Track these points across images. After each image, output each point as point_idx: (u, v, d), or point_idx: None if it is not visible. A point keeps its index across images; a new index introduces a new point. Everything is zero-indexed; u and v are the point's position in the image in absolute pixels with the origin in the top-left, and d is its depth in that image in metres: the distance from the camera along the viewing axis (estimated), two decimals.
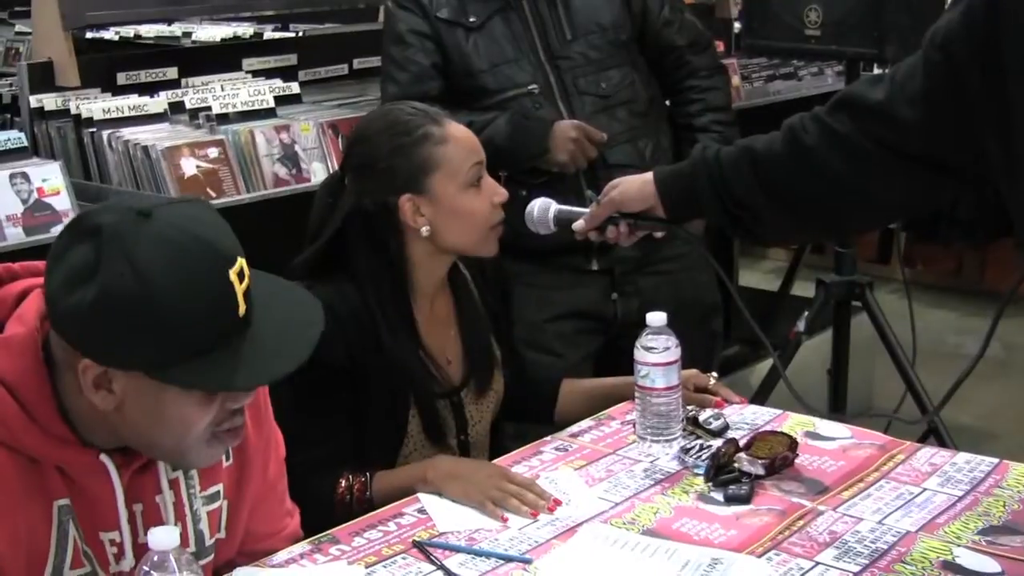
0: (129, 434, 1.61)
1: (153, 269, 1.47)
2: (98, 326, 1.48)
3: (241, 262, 1.55)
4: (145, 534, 1.66)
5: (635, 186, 2.17)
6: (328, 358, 2.06)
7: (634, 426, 2.30)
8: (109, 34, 5.28)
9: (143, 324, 1.48)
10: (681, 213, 2.16)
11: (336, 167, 3.27)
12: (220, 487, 1.80)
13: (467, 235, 2.26)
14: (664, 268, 3.12)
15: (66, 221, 2.84)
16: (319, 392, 2.17)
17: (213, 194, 3.06)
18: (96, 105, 3.29)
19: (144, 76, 3.72)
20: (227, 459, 1.80)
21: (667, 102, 3.22)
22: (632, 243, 2.24)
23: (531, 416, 2.53)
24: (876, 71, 3.46)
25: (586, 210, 2.23)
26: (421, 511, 2.04)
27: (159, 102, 3.40)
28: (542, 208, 2.28)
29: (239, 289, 1.54)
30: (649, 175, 2.17)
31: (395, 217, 2.22)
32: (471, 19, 3.00)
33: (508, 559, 1.88)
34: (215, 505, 1.80)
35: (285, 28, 5.02)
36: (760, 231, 2.10)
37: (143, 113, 3.33)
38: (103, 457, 1.63)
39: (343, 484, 2.16)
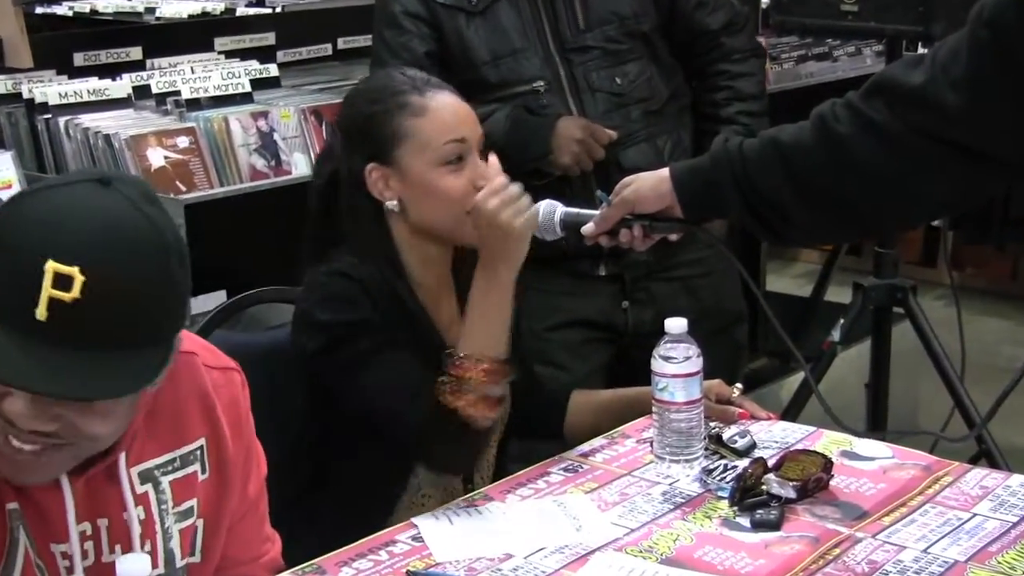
0: None
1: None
2: None
3: (72, 271, 1.49)
4: (111, 551, 1.70)
5: (649, 184, 2.19)
6: (362, 317, 2.22)
7: (651, 444, 2.31)
8: (62, 9, 5.30)
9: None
10: (701, 213, 2.19)
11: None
12: (195, 502, 1.82)
13: (438, 215, 2.30)
14: (680, 274, 3.13)
15: None
16: (374, 342, 2.23)
17: (183, 188, 3.08)
18: (51, 89, 3.32)
19: (104, 57, 3.75)
20: (203, 472, 1.83)
21: (692, 85, 3.22)
22: (647, 247, 2.27)
23: (538, 430, 2.54)
24: (920, 51, 3.48)
25: (595, 212, 2.25)
26: (416, 538, 2.06)
27: (122, 85, 3.43)
28: (547, 211, 2.30)
29: (46, 290, 1.49)
30: (665, 171, 2.19)
31: (364, 186, 2.30)
32: (473, 1, 3.00)
33: None
34: (188, 523, 1.82)
35: (261, 3, 5.05)
36: (788, 232, 2.12)
37: (104, 98, 3.35)
38: None
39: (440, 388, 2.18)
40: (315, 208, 2.37)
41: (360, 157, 2.30)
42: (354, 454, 2.30)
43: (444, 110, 2.30)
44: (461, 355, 2.18)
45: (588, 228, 2.25)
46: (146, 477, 1.76)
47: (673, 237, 2.26)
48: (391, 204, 2.29)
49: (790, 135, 2.07)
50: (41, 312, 1.48)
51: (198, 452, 1.81)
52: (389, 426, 2.22)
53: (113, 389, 1.55)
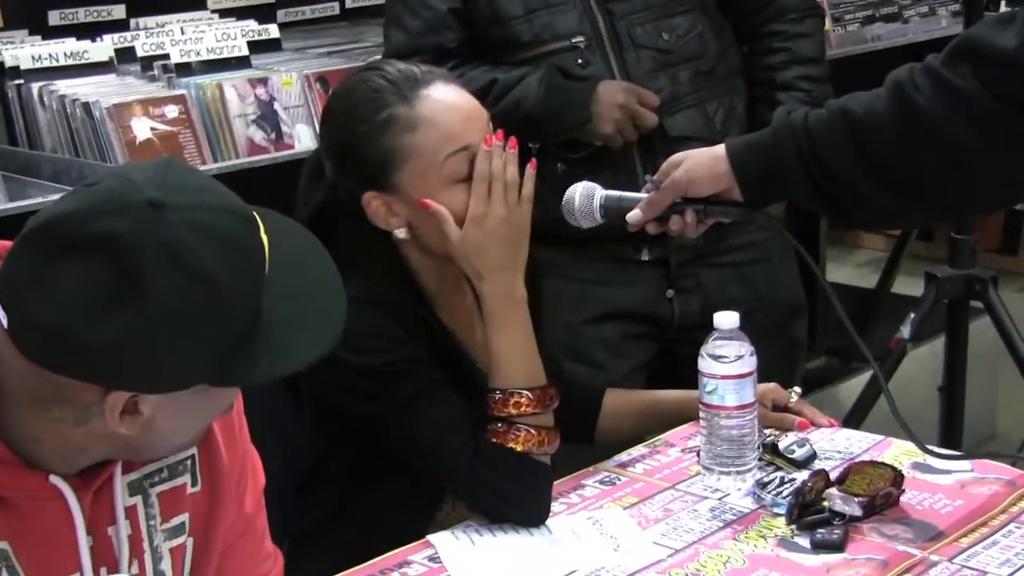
0: (138, 447, 1.66)
1: (208, 266, 1.51)
2: (153, 353, 1.52)
3: (257, 216, 1.62)
4: (95, 575, 1.69)
5: (704, 163, 2.18)
6: (403, 354, 2.17)
7: (698, 454, 2.31)
8: None
9: (212, 332, 1.53)
10: (762, 195, 2.17)
11: None
12: (185, 518, 1.82)
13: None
14: (733, 259, 3.12)
15: None
16: (419, 382, 2.19)
17: None
18: (24, 51, 3.32)
19: (83, 15, 3.76)
20: (194, 484, 1.83)
21: (743, 48, 3.21)
22: (700, 233, 2.25)
23: (564, 434, 2.52)
24: (1004, 9, 3.45)
25: (641, 195, 2.23)
26: (432, 559, 2.06)
27: (103, 48, 3.43)
28: (585, 195, 2.28)
29: (267, 250, 1.60)
30: (720, 149, 2.18)
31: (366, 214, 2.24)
32: None
33: None
34: (179, 541, 1.81)
35: None
36: (860, 214, 2.11)
37: (83, 62, 3.36)
38: (54, 479, 1.65)
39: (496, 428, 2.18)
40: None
41: (354, 182, 2.23)
42: (375, 485, 2.27)
43: (439, 116, 2.20)
44: (498, 392, 2.17)
45: (634, 215, 2.23)
46: (136, 488, 1.75)
47: (726, 219, 2.25)
48: (400, 233, 2.22)
49: (862, 105, 2.06)
50: (267, 269, 1.60)
51: (188, 462, 1.80)
52: (444, 476, 2.20)
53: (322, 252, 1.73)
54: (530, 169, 2.19)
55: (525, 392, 2.17)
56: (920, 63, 2.02)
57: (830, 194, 2.09)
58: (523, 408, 2.16)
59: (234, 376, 1.59)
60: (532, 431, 2.16)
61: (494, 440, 2.16)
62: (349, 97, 2.26)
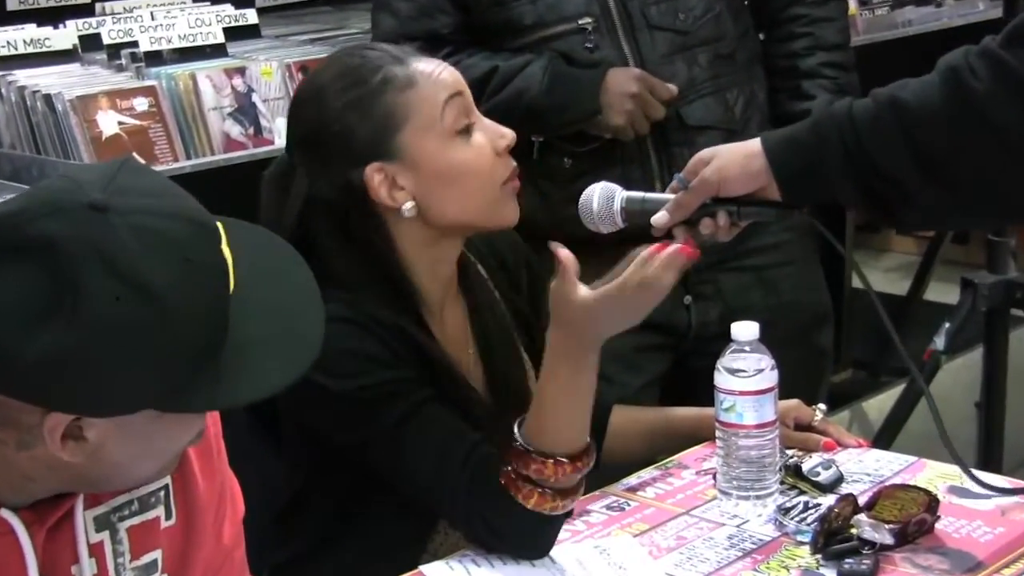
0: (92, 478, 1.64)
1: (153, 277, 1.50)
2: (88, 370, 1.50)
3: (222, 227, 1.60)
4: None
5: (736, 160, 2.16)
6: (387, 377, 2.15)
7: (714, 477, 2.31)
8: None
9: (154, 351, 1.51)
10: (803, 193, 2.16)
11: None
12: (158, 555, 1.81)
13: (470, 201, 2.24)
14: (754, 262, 3.12)
15: None
16: (406, 406, 2.18)
17: (142, 161, 3.07)
18: None
19: None
20: (168, 517, 1.82)
21: (761, 36, 3.21)
22: (732, 237, 2.24)
23: None
24: None
25: (667, 196, 2.22)
26: None
27: (66, 34, 3.43)
28: (604, 197, 2.26)
29: (231, 265, 1.59)
30: (754, 144, 2.17)
31: (365, 198, 2.22)
32: None
33: None
34: None
35: None
36: (909, 214, 2.09)
37: (45, 49, 3.37)
38: (5, 513, 1.64)
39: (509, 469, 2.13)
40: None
41: (346, 161, 2.22)
42: (362, 512, 2.27)
43: (433, 74, 2.24)
44: (534, 452, 2.10)
45: (660, 217, 2.21)
46: (103, 523, 1.75)
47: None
48: (408, 208, 2.21)
49: (913, 93, 2.04)
50: (232, 287, 1.60)
51: (161, 493, 1.79)
52: (436, 505, 2.19)
53: (301, 265, 1.73)
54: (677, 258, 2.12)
55: (550, 462, 2.09)
56: (976, 46, 2.01)
57: (875, 191, 2.07)
58: (545, 475, 2.10)
59: (188, 402, 1.57)
60: (548, 494, 2.10)
61: (501, 482, 2.11)
62: (333, 70, 2.28)
